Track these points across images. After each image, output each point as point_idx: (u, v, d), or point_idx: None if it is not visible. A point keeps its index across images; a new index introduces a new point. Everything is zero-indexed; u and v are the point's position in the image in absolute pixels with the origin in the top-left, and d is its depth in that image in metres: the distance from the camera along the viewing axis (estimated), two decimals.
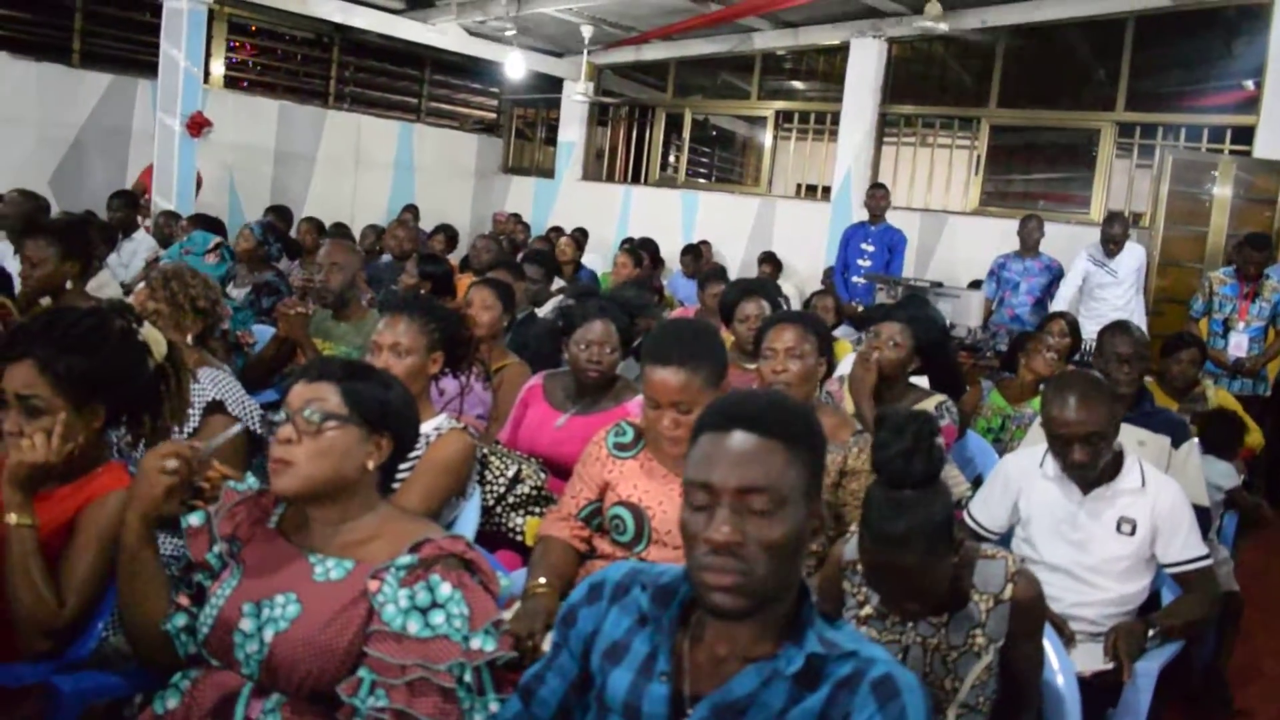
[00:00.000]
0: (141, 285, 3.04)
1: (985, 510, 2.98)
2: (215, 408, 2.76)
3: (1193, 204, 7.42)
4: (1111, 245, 6.84)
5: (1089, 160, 9.00)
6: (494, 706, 1.63)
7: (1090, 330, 5.99)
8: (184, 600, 1.81)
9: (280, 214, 8.27)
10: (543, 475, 3.06)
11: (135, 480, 1.83)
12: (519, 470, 3.02)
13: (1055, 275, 7.28)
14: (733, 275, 7.30)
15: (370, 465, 1.80)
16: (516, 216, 10.50)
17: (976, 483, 3.48)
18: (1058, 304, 6.90)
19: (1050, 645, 2.21)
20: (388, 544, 1.74)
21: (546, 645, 2.09)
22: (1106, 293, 6.89)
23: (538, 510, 2.99)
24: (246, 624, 1.69)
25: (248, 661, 1.68)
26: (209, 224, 6.69)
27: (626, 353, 3.44)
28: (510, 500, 2.99)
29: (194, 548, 1.84)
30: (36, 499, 1.97)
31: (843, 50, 9.70)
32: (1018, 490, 2.93)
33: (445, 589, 1.65)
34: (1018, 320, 7.13)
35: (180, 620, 1.79)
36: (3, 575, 1.89)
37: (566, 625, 1.54)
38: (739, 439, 1.37)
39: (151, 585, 1.83)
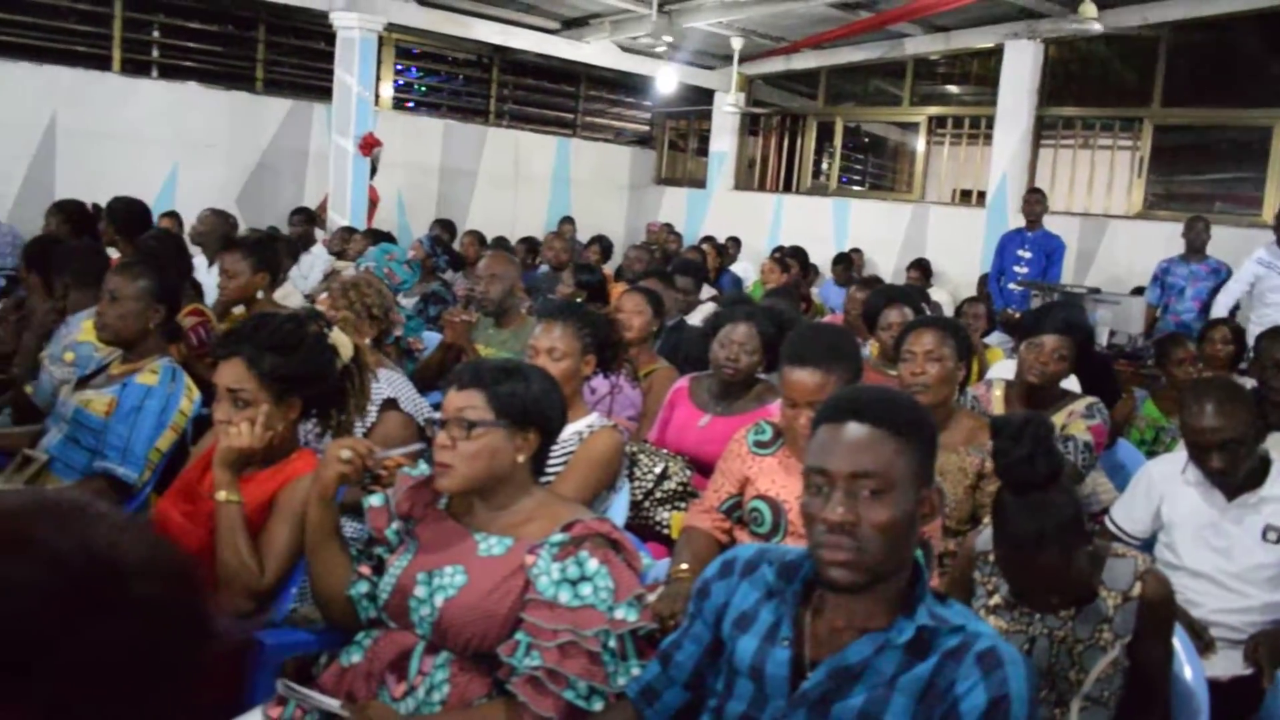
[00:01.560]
0: (325, 294, 3.35)
1: (1127, 516, 3.00)
2: (390, 404, 3.05)
3: None
4: None
5: (1261, 159, 8.64)
6: (635, 671, 1.81)
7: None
8: (366, 570, 2.06)
9: (445, 227, 8.71)
10: (688, 472, 3.23)
11: (320, 465, 2.09)
12: (666, 467, 3.21)
13: (1223, 279, 7.02)
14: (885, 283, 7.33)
15: (520, 459, 1.99)
16: (669, 227, 10.73)
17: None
18: (1217, 309, 6.67)
19: (1181, 647, 2.24)
20: (542, 524, 1.94)
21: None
22: (1276, 297, 6.61)
23: (683, 505, 3.16)
24: (420, 591, 1.92)
25: (421, 623, 1.91)
26: (381, 238, 7.12)
27: (773, 362, 3.58)
28: (657, 495, 3.18)
29: (375, 524, 2.08)
30: (241, 480, 2.27)
31: (996, 53, 9.59)
32: (1160, 496, 2.93)
33: (592, 564, 1.84)
34: (1184, 327, 6.88)
35: (363, 587, 2.04)
36: (214, 545, 2.18)
37: (701, 598, 1.71)
38: (852, 429, 1.51)
39: (334, 556, 2.09)
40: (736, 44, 9.91)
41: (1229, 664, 2.63)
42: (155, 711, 0.82)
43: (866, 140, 12.20)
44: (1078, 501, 1.99)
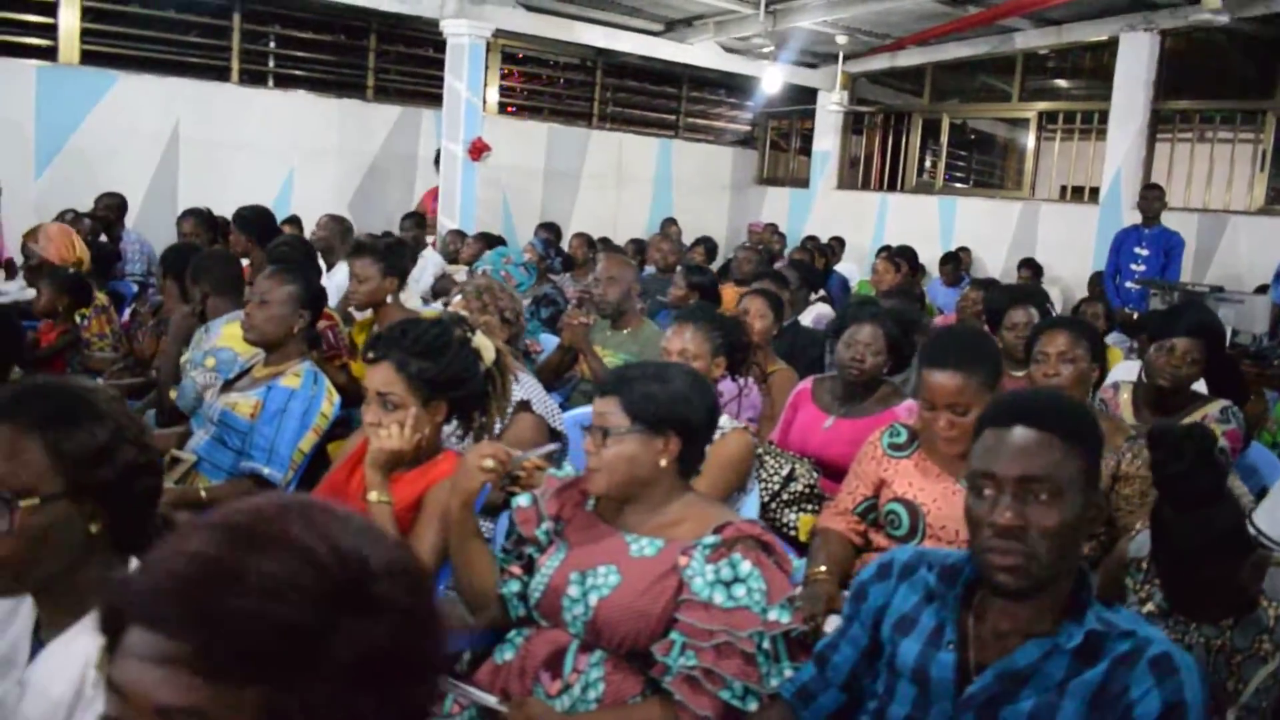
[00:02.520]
0: (459, 297, 3.44)
1: (1272, 521, 2.91)
2: (523, 406, 3.11)
3: None
4: None
5: None
6: (788, 672, 1.83)
7: None
8: (516, 570, 2.11)
9: (551, 229, 8.83)
10: (815, 474, 3.24)
11: (457, 472, 2.15)
12: (793, 469, 3.22)
13: None
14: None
15: (663, 463, 2.00)
16: (773, 226, 10.71)
17: (1261, 494, 3.38)
18: None
19: None
20: (693, 526, 1.97)
21: (828, 627, 2.28)
22: None
23: (810, 508, 3.17)
24: (573, 590, 1.97)
25: (574, 622, 1.96)
26: (493, 241, 7.26)
27: (897, 364, 3.56)
28: (784, 497, 3.19)
29: (524, 525, 2.13)
30: (391, 481, 2.34)
31: (1111, 46, 9.35)
32: None
33: (745, 566, 1.87)
34: None
35: (514, 586, 2.09)
36: None
37: (858, 600, 1.72)
38: (1020, 433, 1.51)
39: (481, 556, 2.15)
40: (841, 41, 9.84)
41: None
42: (403, 713, 0.84)
43: (973, 137, 11.99)
44: (1240, 512, 1.95)
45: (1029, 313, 4.25)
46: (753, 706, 1.80)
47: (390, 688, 0.82)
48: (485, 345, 2.48)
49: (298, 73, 9.41)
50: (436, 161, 9.42)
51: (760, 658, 1.82)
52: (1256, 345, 6.30)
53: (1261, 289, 7.30)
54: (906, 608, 1.65)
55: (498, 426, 2.62)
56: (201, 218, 6.15)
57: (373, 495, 2.29)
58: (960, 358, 2.47)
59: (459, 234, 8.27)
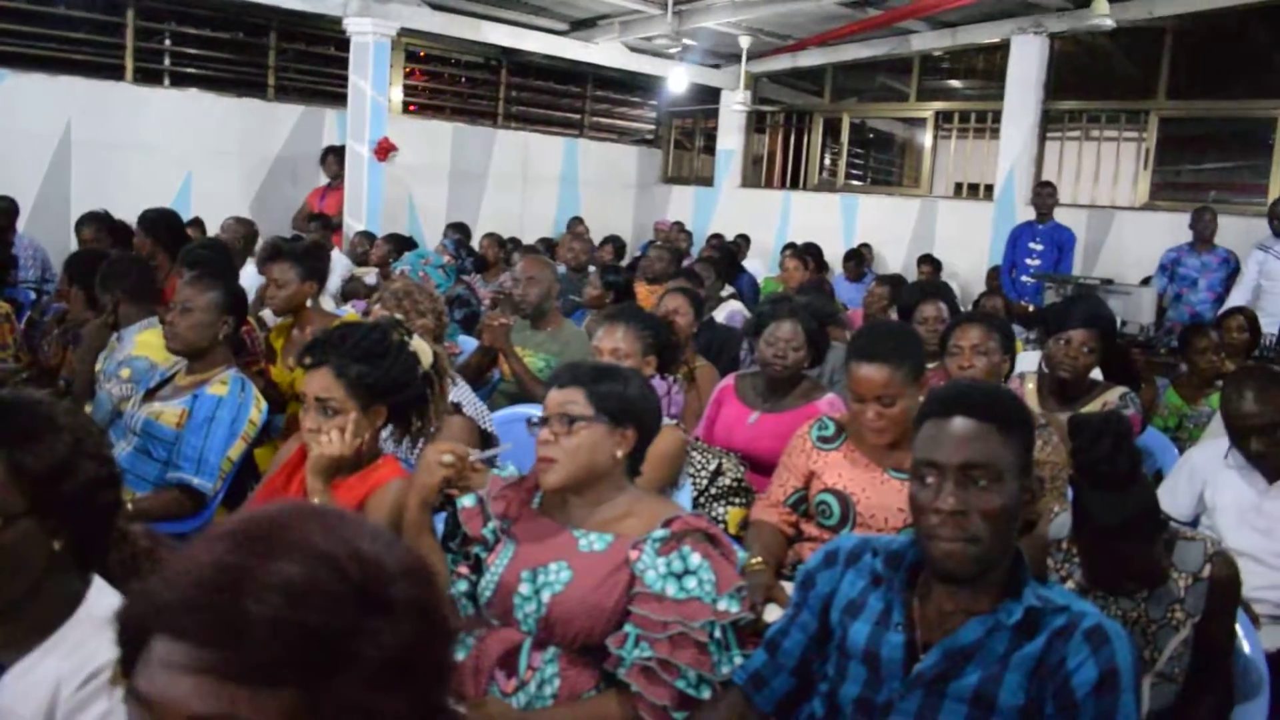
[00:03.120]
0: (378, 303, 3.43)
1: (1171, 500, 3.10)
2: (454, 409, 3.12)
3: None
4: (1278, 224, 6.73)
5: (1264, 149, 8.75)
6: (738, 659, 1.90)
7: (1265, 324, 5.93)
8: (464, 570, 2.14)
9: (461, 230, 8.79)
10: (741, 469, 3.31)
11: (417, 470, 2.17)
12: (720, 464, 3.29)
13: (1233, 269, 7.17)
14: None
15: (619, 454, 2.08)
16: (679, 225, 10.81)
17: (1156, 477, 3.57)
18: (1233, 299, 6.81)
19: (1241, 624, 2.34)
20: (641, 520, 2.02)
21: (768, 616, 2.36)
22: (1277, 284, 6.76)
23: (738, 501, 3.24)
24: (524, 588, 2.00)
25: (526, 620, 1.99)
26: (402, 243, 7.20)
27: (815, 358, 3.67)
28: (713, 492, 3.26)
29: (470, 525, 2.16)
30: (332, 486, 2.34)
31: (1002, 48, 9.68)
32: (1203, 481, 3.04)
33: (695, 558, 1.93)
34: (1198, 318, 7.01)
35: (462, 586, 2.12)
36: None
37: (806, 588, 1.80)
38: (960, 423, 1.60)
39: (429, 554, 2.17)
40: (744, 42, 9.98)
41: (1275, 638, 2.73)
42: (425, 711, 0.87)
43: (872, 136, 12.27)
44: (1153, 492, 2.08)
45: (938, 307, 4.41)
46: (706, 694, 1.87)
47: (413, 685, 0.85)
48: (423, 349, 2.49)
49: (195, 71, 9.18)
50: (323, 160, 9.31)
51: (712, 646, 1.88)
52: (1144, 335, 6.61)
53: (1146, 281, 7.66)
54: (854, 593, 1.73)
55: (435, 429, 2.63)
56: (101, 222, 5.98)
57: (315, 501, 2.29)
58: (887, 351, 2.57)
59: (367, 235, 8.18)
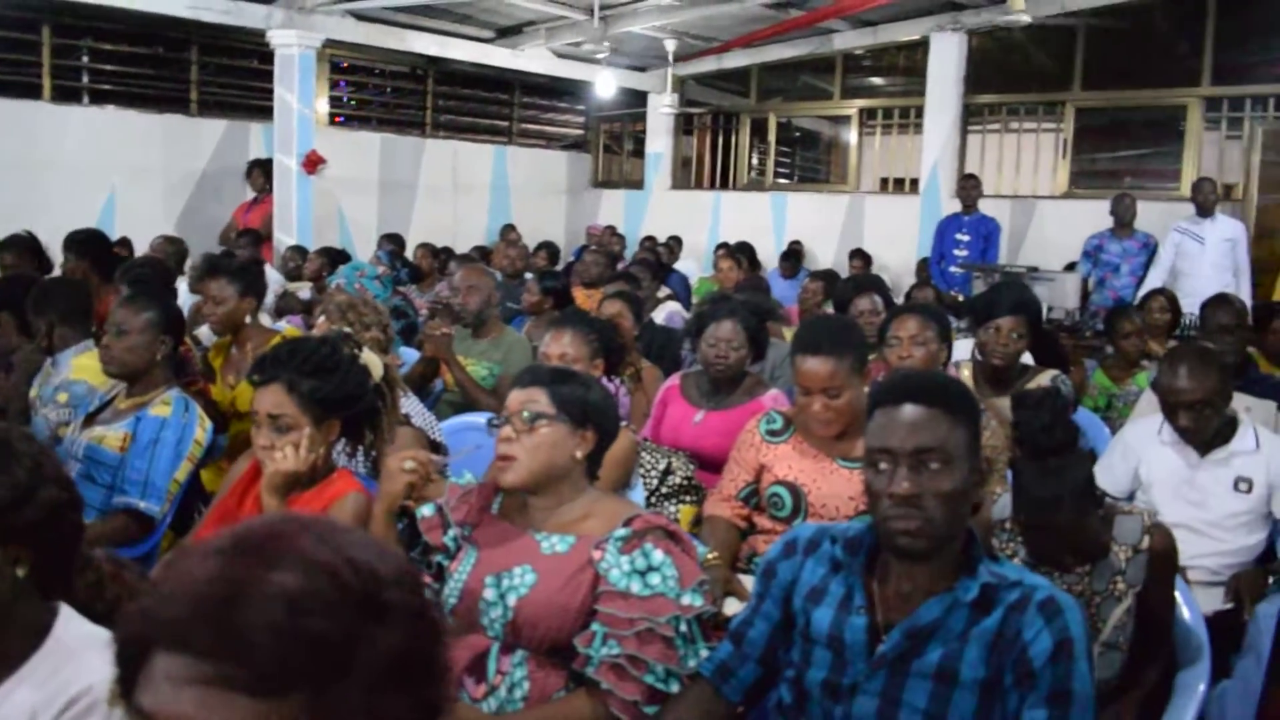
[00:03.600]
0: (322, 318, 3.41)
1: (1108, 477, 3.20)
2: (404, 420, 3.12)
3: None
4: (1200, 208, 6.96)
5: (1177, 136, 9.05)
6: (704, 652, 1.93)
7: (1186, 305, 6.13)
8: (427, 579, 2.15)
9: (395, 241, 8.73)
10: (691, 467, 3.36)
11: (383, 479, 2.17)
12: (669, 463, 3.33)
13: (1153, 252, 7.39)
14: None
15: (579, 455, 2.10)
16: (611, 229, 10.85)
17: (1090, 457, 3.68)
18: (1151, 281, 7.03)
19: (1180, 591, 2.44)
20: (601, 520, 2.05)
21: (727, 609, 2.40)
22: (1194, 264, 6.99)
23: (689, 499, 3.28)
24: (489, 593, 2.02)
25: (492, 625, 2.01)
26: (335, 256, 7.14)
27: (757, 354, 3.72)
28: (664, 491, 3.30)
29: (430, 534, 2.17)
30: (288, 504, 2.33)
31: (923, 45, 9.86)
32: (1137, 458, 3.15)
33: (658, 555, 1.96)
34: (1121, 302, 7.18)
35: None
36: None
37: (768, 578, 1.84)
38: (910, 410, 1.66)
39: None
40: (670, 46, 10.06)
41: (1211, 600, 2.85)
42: (425, 713, 0.88)
43: (799, 135, 12.43)
44: (1090, 471, 2.16)
45: (873, 300, 4.51)
46: (675, 687, 1.89)
47: (413, 686, 0.86)
48: (373, 361, 2.50)
49: (115, 88, 9.01)
50: (248, 174, 9.20)
51: (678, 641, 1.91)
52: (1070, 319, 6.79)
53: (1070, 266, 7.88)
54: (815, 580, 1.77)
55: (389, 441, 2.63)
56: (25, 245, 5.84)
57: None
58: (831, 345, 2.63)
59: (299, 250, 8.08)
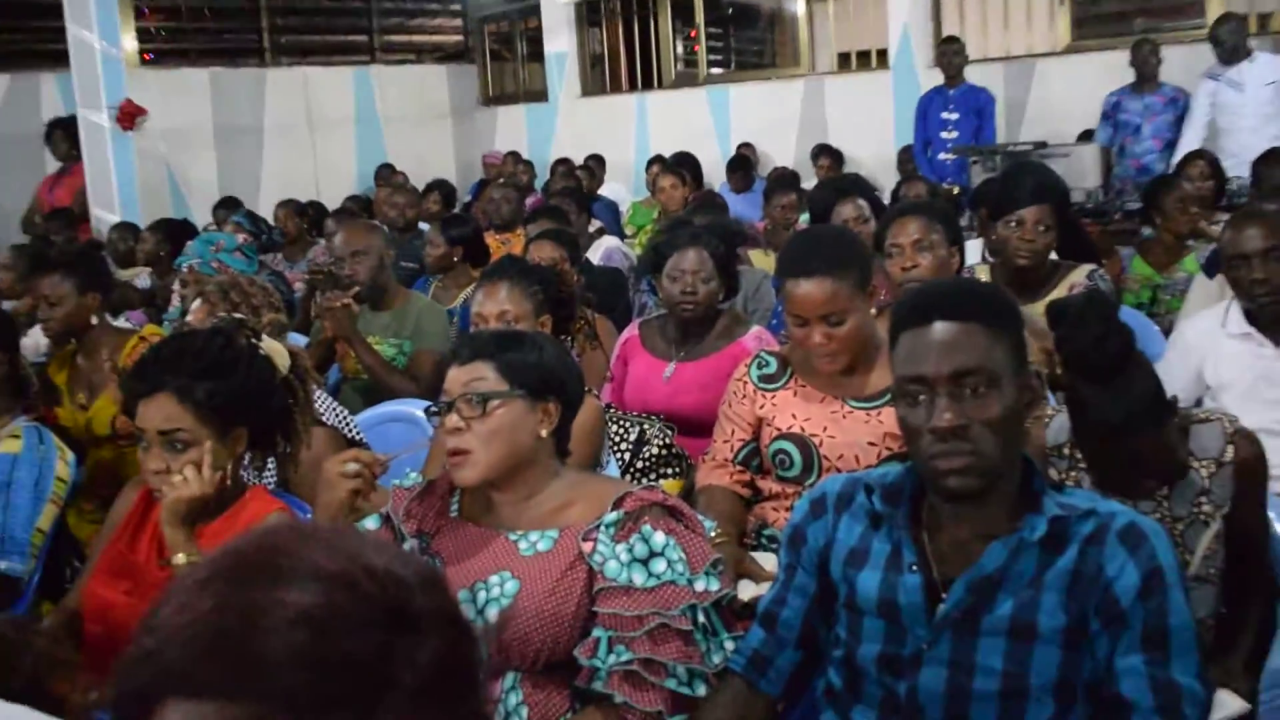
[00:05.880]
0: (199, 303, 3.44)
1: (1167, 386, 3.35)
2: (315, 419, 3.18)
3: None
4: (1227, 51, 7.10)
5: None
6: (729, 645, 2.04)
7: (1229, 168, 6.31)
8: None
9: (235, 206, 8.67)
10: (668, 432, 3.46)
11: (321, 490, 2.23)
12: (642, 431, 3.43)
13: (1182, 110, 7.52)
14: None
15: (543, 433, 2.18)
16: (514, 155, 10.86)
17: None
18: (1186, 143, 7.18)
19: (1273, 508, 2.55)
20: (586, 506, 2.13)
21: (743, 594, 2.51)
22: (1234, 118, 7.15)
23: (671, 471, 3.39)
24: (465, 610, 2.10)
25: None
26: (176, 230, 7.08)
27: (730, 288, 3.82)
28: (639, 466, 3.40)
29: None
30: (196, 536, 2.38)
31: None
32: (1200, 358, 3.30)
33: (659, 537, 2.05)
34: (1145, 171, 7.32)
35: None
36: None
37: (796, 546, 1.95)
38: (941, 328, 1.76)
39: None
40: None
41: None
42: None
43: (732, 11, 12.46)
44: (1154, 373, 2.29)
45: (857, 206, 4.59)
46: (702, 690, 1.99)
47: (454, 697, 0.94)
48: (277, 350, 2.54)
49: None
50: (49, 139, 9.06)
51: (698, 635, 2.01)
52: (1093, 200, 6.94)
53: (1086, 136, 8.04)
54: (853, 540, 1.88)
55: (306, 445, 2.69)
56: None
57: (180, 558, 2.30)
58: (826, 261, 2.72)
59: (126, 228, 7.97)
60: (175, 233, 6.99)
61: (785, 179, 6.63)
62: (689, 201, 7.08)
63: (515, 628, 2.05)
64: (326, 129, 11.35)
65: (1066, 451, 2.47)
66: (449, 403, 2.15)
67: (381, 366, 4.25)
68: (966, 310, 1.77)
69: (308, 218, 8.14)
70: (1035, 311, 2.99)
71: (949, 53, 8.45)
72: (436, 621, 0.94)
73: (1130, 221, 6.37)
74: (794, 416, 2.83)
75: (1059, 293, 3.71)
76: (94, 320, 3.96)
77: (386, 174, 10.31)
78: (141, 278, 7.05)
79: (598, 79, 12.30)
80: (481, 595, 2.10)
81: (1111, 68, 8.05)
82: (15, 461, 3.08)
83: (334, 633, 0.87)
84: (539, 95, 12.38)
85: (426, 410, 2.25)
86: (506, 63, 13.04)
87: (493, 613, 2.07)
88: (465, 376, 2.16)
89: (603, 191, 9.84)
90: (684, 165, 8.36)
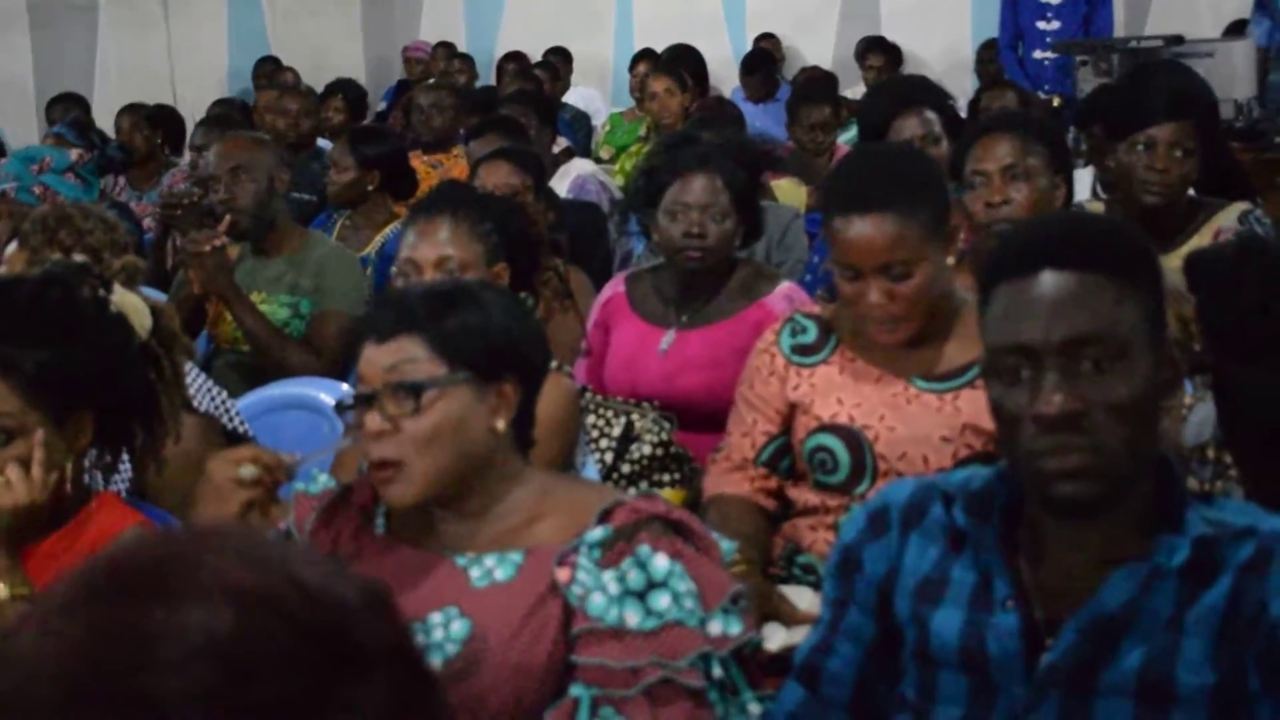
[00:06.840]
0: (13, 246, 3.44)
1: None
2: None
3: None
4: None
5: None
6: (754, 708, 2.07)
7: None
8: None
9: (79, 105, 8.66)
10: (665, 425, 3.47)
11: (201, 498, 2.23)
12: (628, 424, 3.43)
13: None
14: None
15: (499, 425, 2.17)
16: (448, 47, 10.83)
17: None
18: None
19: None
20: (561, 520, 2.15)
21: (769, 643, 2.54)
22: None
23: (669, 478, 3.40)
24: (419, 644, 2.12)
25: None
26: None
27: (750, 230, 3.81)
28: (626, 470, 3.40)
29: None
30: (23, 559, 2.39)
31: None
32: None
33: (661, 562, 2.06)
34: None
35: None
36: None
37: (848, 574, 1.96)
38: (1051, 281, 1.76)
39: None
40: None
41: None
42: None
43: None
44: None
45: (925, 120, 4.55)
46: None
47: None
48: (134, 307, 2.50)
49: None
50: None
51: (713, 694, 2.03)
52: (1245, 116, 6.97)
53: (1236, 28, 8.05)
54: (926, 567, 1.90)
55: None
56: None
57: (0, 590, 2.32)
58: (889, 193, 2.71)
59: None
60: None
61: (819, 85, 6.58)
62: (689, 113, 7.07)
63: (466, 683, 2.07)
64: (185, 12, 11.29)
65: (1211, 454, 2.49)
66: (369, 395, 2.13)
67: (270, 334, 4.23)
68: (1086, 257, 1.76)
69: (161, 130, 8.11)
70: (1170, 266, 3.01)
71: None
72: (386, 656, 0.94)
73: None
74: (840, 402, 2.84)
75: (1201, 241, 3.71)
76: None
77: (270, 71, 10.27)
78: None
79: None
80: (421, 639, 2.11)
81: None
82: None
83: (251, 669, 0.87)
84: None
85: (337, 405, 2.24)
86: None
87: (436, 662, 2.09)
88: (388, 358, 2.13)
89: (569, 98, 9.82)
90: (682, 63, 8.33)
